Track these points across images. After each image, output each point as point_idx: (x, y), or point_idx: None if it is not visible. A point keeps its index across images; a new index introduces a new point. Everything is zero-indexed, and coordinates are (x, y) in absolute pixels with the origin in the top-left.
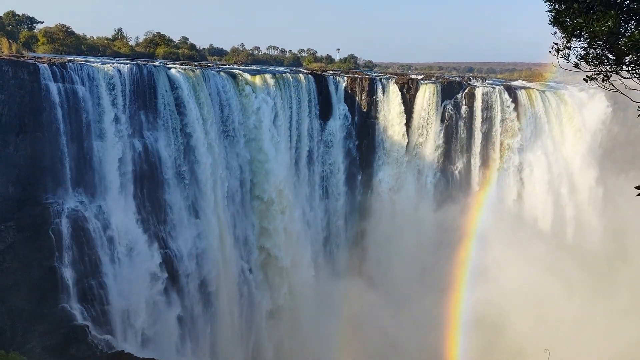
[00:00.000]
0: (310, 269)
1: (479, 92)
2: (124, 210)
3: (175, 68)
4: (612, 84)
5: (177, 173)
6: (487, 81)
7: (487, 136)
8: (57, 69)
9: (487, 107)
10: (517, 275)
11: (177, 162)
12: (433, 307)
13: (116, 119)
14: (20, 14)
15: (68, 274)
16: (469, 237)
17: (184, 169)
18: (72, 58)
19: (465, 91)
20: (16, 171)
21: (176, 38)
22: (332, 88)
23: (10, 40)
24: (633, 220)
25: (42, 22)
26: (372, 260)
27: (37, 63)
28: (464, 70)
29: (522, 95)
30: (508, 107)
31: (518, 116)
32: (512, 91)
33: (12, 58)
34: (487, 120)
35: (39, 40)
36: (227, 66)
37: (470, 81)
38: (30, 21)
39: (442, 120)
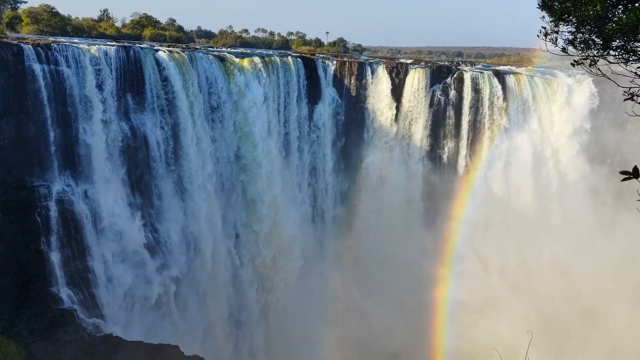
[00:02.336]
0: (297, 250)
1: (467, 77)
2: (111, 193)
3: (163, 50)
4: (598, 69)
5: (165, 156)
6: (476, 66)
7: (475, 121)
8: (41, 50)
9: (476, 91)
10: (503, 258)
11: (165, 144)
12: (420, 293)
13: (102, 102)
14: None
15: (55, 257)
16: (457, 220)
17: (171, 152)
18: (57, 39)
19: (454, 76)
20: (1, 154)
21: (163, 20)
22: (321, 72)
23: None
24: (619, 205)
25: (26, 2)
26: (361, 245)
27: (21, 44)
28: (453, 54)
29: (510, 80)
30: (496, 92)
31: (506, 101)
32: (500, 76)
33: None
34: (476, 104)
35: (23, 21)
36: (215, 49)
37: (459, 66)
38: (14, 1)
39: (431, 104)
